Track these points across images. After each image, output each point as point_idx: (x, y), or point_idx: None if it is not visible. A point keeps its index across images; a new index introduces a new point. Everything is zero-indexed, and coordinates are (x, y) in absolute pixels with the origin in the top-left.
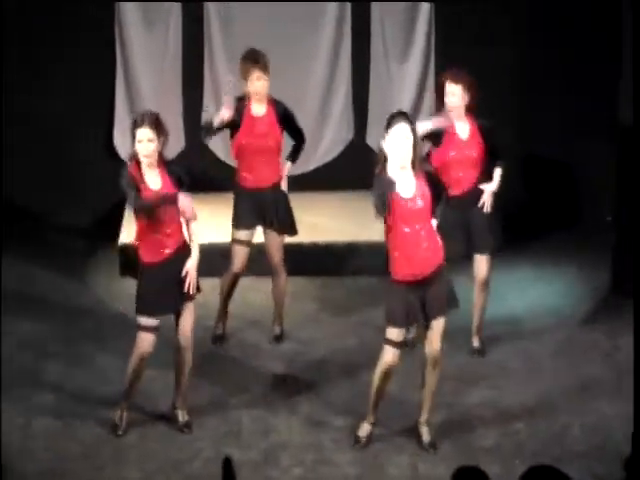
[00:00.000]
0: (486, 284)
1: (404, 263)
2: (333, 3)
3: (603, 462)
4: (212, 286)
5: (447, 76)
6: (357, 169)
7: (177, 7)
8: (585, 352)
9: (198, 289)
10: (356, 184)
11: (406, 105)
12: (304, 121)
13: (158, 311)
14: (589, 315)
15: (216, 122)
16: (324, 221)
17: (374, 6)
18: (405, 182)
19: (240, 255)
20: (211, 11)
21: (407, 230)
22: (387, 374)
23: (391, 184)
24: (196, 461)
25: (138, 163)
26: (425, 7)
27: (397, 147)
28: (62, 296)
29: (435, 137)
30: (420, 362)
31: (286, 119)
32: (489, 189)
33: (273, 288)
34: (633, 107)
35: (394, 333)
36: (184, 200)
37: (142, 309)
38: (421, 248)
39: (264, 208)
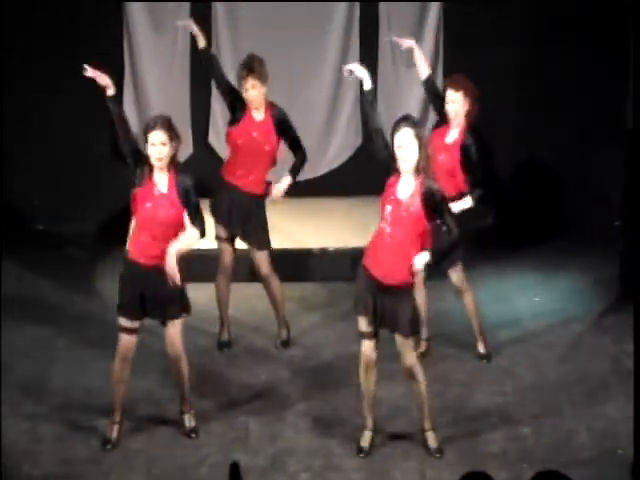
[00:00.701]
0: (465, 290)
1: (370, 254)
2: (342, 3)
3: (610, 467)
4: (214, 292)
5: (447, 83)
6: (365, 175)
7: (185, 7)
8: (592, 357)
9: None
10: (364, 190)
11: (414, 109)
12: (312, 127)
13: (134, 316)
14: (596, 320)
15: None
16: (332, 227)
17: (382, 6)
18: (405, 186)
19: (224, 251)
20: (219, 11)
21: (386, 229)
22: (366, 367)
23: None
24: (203, 467)
25: (150, 167)
26: (434, 7)
27: (400, 153)
28: (68, 302)
29: None
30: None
31: (282, 125)
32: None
33: (268, 295)
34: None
35: (362, 324)
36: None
37: (120, 310)
38: (387, 253)
39: (235, 213)
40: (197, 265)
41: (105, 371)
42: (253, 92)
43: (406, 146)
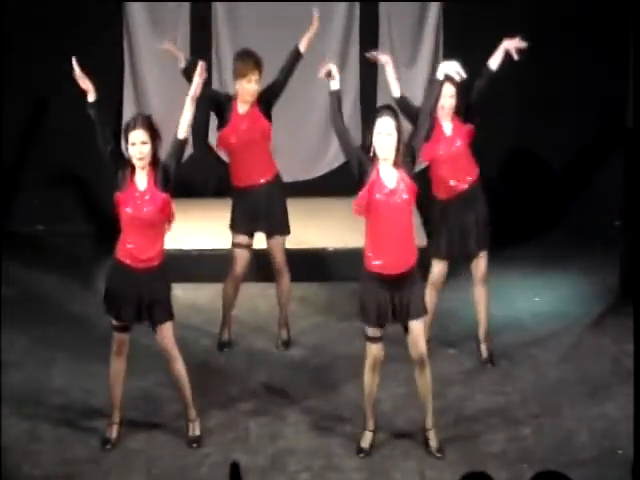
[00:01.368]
0: (486, 281)
1: (373, 252)
2: (342, 3)
3: (610, 467)
4: (216, 292)
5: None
6: None
7: (185, 7)
8: (592, 357)
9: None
10: None
11: None
12: (312, 127)
13: (118, 316)
14: (596, 320)
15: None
16: (332, 227)
17: (382, 6)
18: (388, 174)
19: (240, 259)
20: (219, 11)
21: (382, 221)
22: (373, 367)
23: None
24: (203, 467)
25: (132, 169)
26: (434, 7)
27: (379, 139)
28: (68, 302)
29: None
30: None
31: (265, 96)
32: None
33: (277, 290)
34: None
35: (369, 330)
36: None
37: (106, 308)
38: (393, 242)
39: (257, 211)
40: (197, 265)
41: (105, 371)
42: (255, 86)
43: (385, 133)
